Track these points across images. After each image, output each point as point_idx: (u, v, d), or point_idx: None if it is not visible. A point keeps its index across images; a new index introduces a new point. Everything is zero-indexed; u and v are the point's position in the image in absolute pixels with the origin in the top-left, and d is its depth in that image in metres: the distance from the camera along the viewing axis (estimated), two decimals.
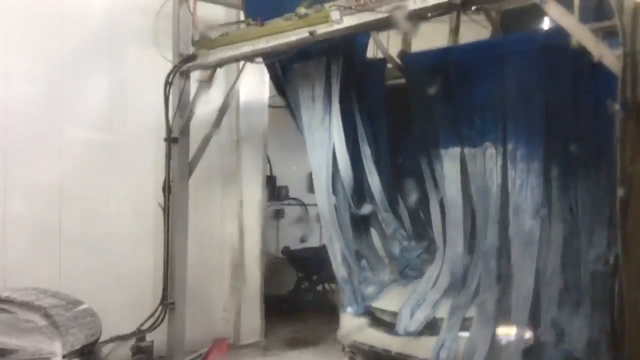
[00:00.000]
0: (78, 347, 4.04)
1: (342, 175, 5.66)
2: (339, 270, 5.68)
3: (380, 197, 5.82)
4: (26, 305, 4.53)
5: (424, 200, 5.86)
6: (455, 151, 5.28)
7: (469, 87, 5.17)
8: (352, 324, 5.54)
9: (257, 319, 7.88)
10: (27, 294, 4.82)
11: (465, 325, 4.84)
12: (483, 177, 5.09)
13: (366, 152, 5.83)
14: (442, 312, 5.02)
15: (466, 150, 5.21)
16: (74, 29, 6.55)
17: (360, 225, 5.93)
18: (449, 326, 4.90)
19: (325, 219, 5.71)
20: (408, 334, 4.99)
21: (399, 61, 5.86)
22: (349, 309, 5.66)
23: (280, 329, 8.11)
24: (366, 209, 5.83)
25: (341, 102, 5.64)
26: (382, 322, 5.27)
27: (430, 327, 4.97)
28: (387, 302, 5.43)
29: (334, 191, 5.70)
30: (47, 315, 4.38)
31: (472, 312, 4.90)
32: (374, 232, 6.03)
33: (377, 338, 5.22)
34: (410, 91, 5.71)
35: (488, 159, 5.04)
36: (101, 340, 5.94)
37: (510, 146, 4.87)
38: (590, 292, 4.54)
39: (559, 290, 4.63)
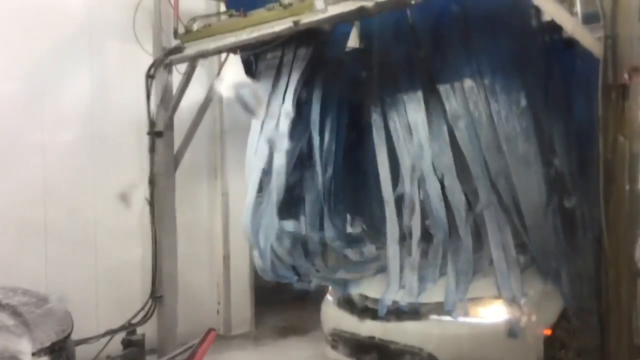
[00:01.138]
0: (48, 344, 4.02)
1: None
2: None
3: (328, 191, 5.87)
4: None
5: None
6: (419, 94, 5.47)
7: (438, 26, 5.34)
8: (332, 312, 5.57)
9: (247, 310, 7.93)
10: None
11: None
12: (466, 110, 5.21)
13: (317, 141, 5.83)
14: (426, 297, 5.05)
15: (441, 87, 5.32)
16: (53, 24, 6.47)
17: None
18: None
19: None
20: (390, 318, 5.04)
21: None
22: (330, 297, 5.72)
23: (271, 319, 8.15)
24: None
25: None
26: (363, 308, 5.27)
27: (413, 313, 4.99)
28: (368, 288, 5.44)
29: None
30: (16, 314, 4.31)
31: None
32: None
33: (358, 325, 5.23)
34: (374, 50, 5.87)
35: (469, 93, 5.17)
36: (93, 335, 6.03)
37: (487, 80, 5.04)
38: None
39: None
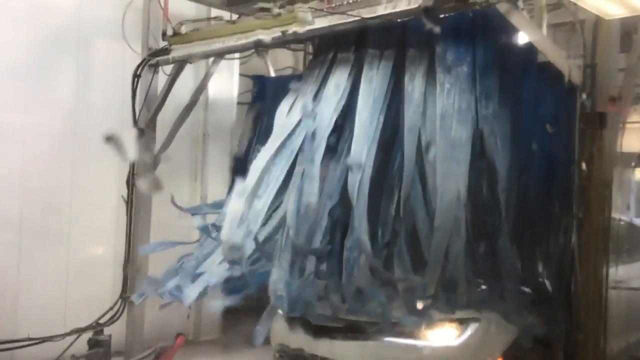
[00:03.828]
0: None
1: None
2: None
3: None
4: None
5: None
6: (349, 55, 5.23)
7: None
8: (281, 327, 5.35)
9: (217, 316, 7.88)
10: None
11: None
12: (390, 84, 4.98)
13: None
14: (374, 316, 4.72)
15: (370, 51, 5.10)
16: (41, 19, 6.45)
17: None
18: None
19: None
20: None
21: None
22: (280, 311, 5.41)
23: (240, 326, 8.10)
24: None
25: None
26: (308, 325, 5.04)
27: (359, 332, 4.76)
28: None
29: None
30: None
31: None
32: None
33: (302, 341, 5.05)
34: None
35: (409, 63, 4.97)
36: (60, 333, 5.97)
37: (439, 49, 4.84)
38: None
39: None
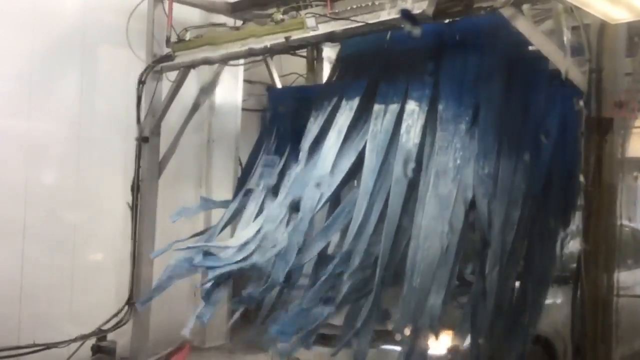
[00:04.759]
0: None
1: None
2: None
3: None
4: None
5: None
6: (354, 103, 5.26)
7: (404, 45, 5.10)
8: None
9: (223, 322, 7.85)
10: None
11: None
12: (393, 133, 4.96)
13: None
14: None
15: (376, 106, 5.11)
16: (46, 26, 6.47)
17: None
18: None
19: None
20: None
21: None
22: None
23: (247, 332, 8.06)
24: None
25: None
26: None
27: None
28: None
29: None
30: None
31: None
32: None
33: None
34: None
35: (408, 116, 4.93)
36: (64, 339, 5.96)
37: (440, 106, 4.79)
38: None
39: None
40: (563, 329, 4.73)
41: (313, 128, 5.54)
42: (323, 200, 5.11)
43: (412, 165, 4.77)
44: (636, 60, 4.78)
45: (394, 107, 5.02)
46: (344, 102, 5.39)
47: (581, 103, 4.00)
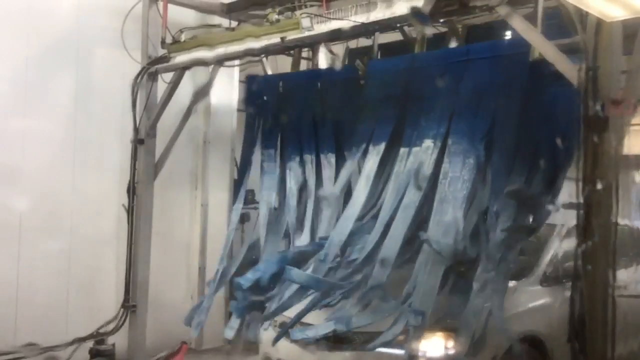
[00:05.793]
0: None
1: None
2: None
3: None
4: None
5: None
6: (380, 148, 5.58)
7: (425, 90, 5.38)
8: (267, 337, 5.33)
9: (221, 324, 7.82)
10: None
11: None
12: (415, 173, 5.23)
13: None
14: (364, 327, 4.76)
15: (402, 150, 5.41)
16: (41, 27, 6.44)
17: None
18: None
19: None
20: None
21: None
22: (266, 322, 5.48)
23: (243, 335, 8.04)
24: None
25: None
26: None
27: (347, 342, 4.75)
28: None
29: None
30: None
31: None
32: None
33: (289, 351, 5.04)
34: (369, 93, 5.93)
35: (423, 153, 5.22)
36: (62, 342, 5.93)
37: (450, 141, 5.06)
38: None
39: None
40: (554, 327, 4.77)
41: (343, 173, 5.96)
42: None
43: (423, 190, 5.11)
44: (633, 58, 4.78)
45: (416, 150, 5.32)
46: (371, 147, 5.72)
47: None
